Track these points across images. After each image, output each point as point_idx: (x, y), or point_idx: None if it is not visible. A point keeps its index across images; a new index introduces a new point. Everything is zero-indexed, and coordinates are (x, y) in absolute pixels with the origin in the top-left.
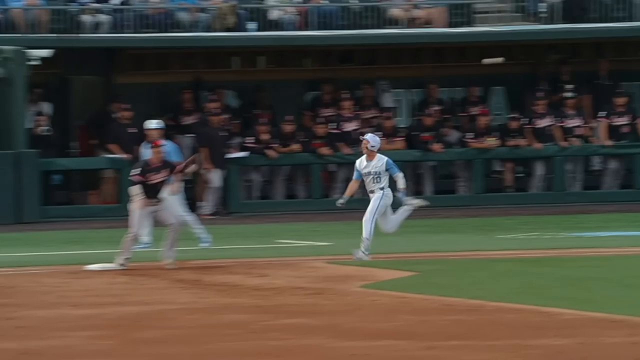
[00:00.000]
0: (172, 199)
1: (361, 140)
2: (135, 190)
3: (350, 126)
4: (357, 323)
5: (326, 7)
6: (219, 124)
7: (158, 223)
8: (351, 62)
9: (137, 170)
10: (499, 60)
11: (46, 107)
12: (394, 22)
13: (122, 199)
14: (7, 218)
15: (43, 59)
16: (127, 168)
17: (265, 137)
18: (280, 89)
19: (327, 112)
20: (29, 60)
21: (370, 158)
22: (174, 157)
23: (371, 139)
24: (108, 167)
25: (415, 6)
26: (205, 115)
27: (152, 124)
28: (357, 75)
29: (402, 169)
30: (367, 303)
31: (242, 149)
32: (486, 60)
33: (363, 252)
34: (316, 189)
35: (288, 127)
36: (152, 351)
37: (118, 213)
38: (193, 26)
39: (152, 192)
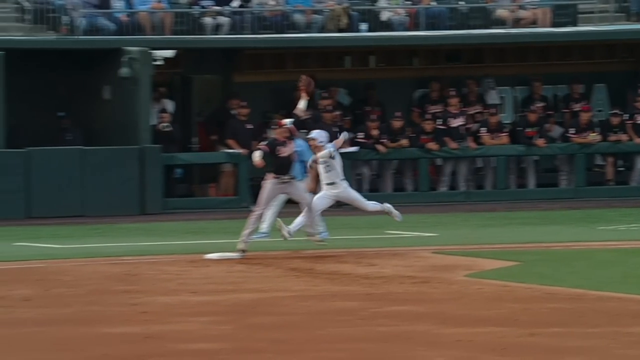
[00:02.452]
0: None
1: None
2: (257, 155)
3: (456, 122)
4: (461, 310)
5: (435, 8)
6: (331, 121)
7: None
8: (458, 60)
9: (265, 142)
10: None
11: (169, 105)
12: (500, 23)
13: (240, 191)
14: (131, 209)
15: (166, 59)
16: (245, 162)
17: (375, 132)
18: (390, 87)
19: (435, 108)
20: (154, 60)
21: (318, 151)
22: (307, 155)
23: (317, 135)
24: (226, 161)
25: (521, 7)
26: (318, 112)
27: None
28: (464, 73)
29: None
30: (472, 291)
31: (353, 144)
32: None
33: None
34: (423, 182)
35: (397, 123)
36: (267, 336)
37: (236, 205)
38: (308, 27)
39: (282, 167)
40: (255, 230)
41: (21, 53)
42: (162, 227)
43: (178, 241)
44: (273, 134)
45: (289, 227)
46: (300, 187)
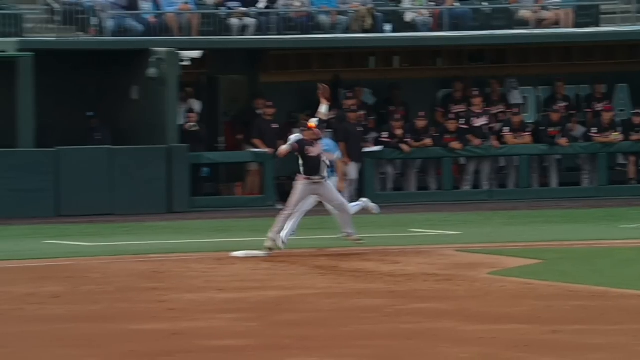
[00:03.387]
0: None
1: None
2: (285, 147)
3: (479, 121)
4: (484, 308)
5: (458, 9)
6: (356, 120)
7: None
8: (481, 61)
9: (295, 139)
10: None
11: (196, 105)
12: (523, 23)
13: (266, 190)
14: (159, 208)
15: (193, 59)
16: (270, 161)
17: (399, 132)
18: (414, 87)
19: (458, 108)
20: (181, 61)
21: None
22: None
23: (294, 138)
24: (252, 160)
25: (544, 8)
26: (343, 112)
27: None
28: (487, 73)
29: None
30: (495, 289)
31: (377, 143)
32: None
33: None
34: (447, 181)
35: (421, 123)
36: (292, 333)
37: (261, 204)
38: (333, 28)
39: (312, 168)
40: (282, 230)
41: (51, 54)
42: (189, 225)
43: (205, 239)
44: (301, 135)
45: (282, 235)
46: (330, 188)
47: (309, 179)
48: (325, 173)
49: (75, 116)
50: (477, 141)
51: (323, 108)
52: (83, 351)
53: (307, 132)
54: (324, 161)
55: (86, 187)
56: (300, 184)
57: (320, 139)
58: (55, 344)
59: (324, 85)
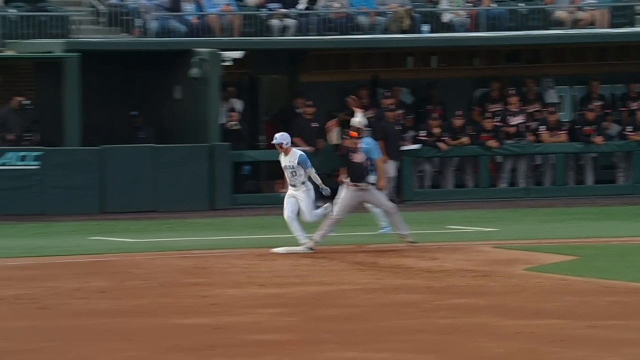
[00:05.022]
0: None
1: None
2: (335, 133)
3: (515, 120)
4: (521, 303)
5: (495, 10)
6: (394, 119)
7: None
8: (518, 60)
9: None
10: None
11: (237, 104)
12: (558, 24)
13: None
14: (201, 205)
15: (235, 60)
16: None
17: (436, 130)
18: (451, 86)
19: (495, 107)
20: (223, 61)
21: (286, 153)
22: (374, 154)
23: (280, 137)
24: None
25: (579, 8)
26: (382, 111)
27: (356, 120)
28: (523, 73)
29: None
30: (531, 285)
31: (415, 141)
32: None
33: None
34: (484, 179)
35: (458, 122)
36: (332, 327)
37: None
38: (371, 29)
39: (357, 174)
40: (328, 234)
41: (96, 54)
42: (230, 222)
43: (246, 236)
44: (344, 142)
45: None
46: (377, 194)
47: (355, 185)
48: (371, 179)
49: (120, 115)
50: (511, 129)
51: (358, 116)
52: (128, 345)
53: (348, 140)
54: (367, 167)
55: (131, 184)
56: (347, 191)
57: (360, 147)
58: (100, 338)
59: (352, 97)
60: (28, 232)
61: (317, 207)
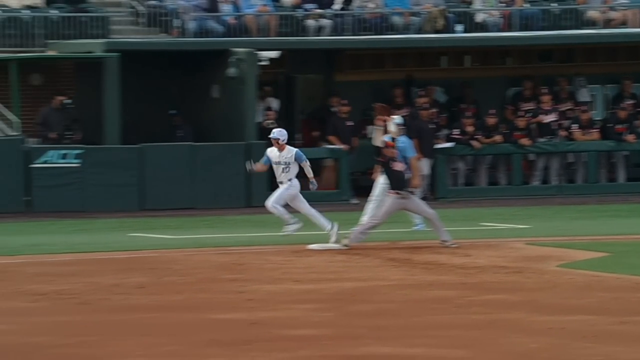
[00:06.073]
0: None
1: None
2: (380, 136)
3: (548, 118)
4: (553, 299)
5: (528, 10)
6: (428, 118)
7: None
8: (550, 60)
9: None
10: None
11: (274, 103)
12: (591, 23)
13: (341, 185)
14: (238, 202)
15: (271, 59)
16: (345, 157)
17: (470, 129)
18: (484, 85)
19: (527, 106)
20: (259, 60)
21: (280, 150)
22: (409, 153)
23: (278, 133)
24: (328, 156)
25: (611, 8)
26: (416, 110)
27: (395, 120)
28: (556, 72)
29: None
30: (563, 281)
31: (449, 140)
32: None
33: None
34: (516, 177)
35: (491, 120)
36: (367, 323)
37: (337, 198)
38: (406, 29)
39: (398, 182)
40: (364, 233)
41: (136, 54)
42: (267, 219)
43: (280, 232)
44: (384, 151)
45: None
46: (418, 202)
47: (398, 193)
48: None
49: (159, 114)
50: (546, 117)
51: (392, 127)
52: (166, 339)
53: (386, 150)
54: (407, 174)
55: (169, 182)
56: (390, 199)
57: (397, 157)
58: (139, 333)
59: (382, 104)
60: (69, 229)
61: (289, 212)
